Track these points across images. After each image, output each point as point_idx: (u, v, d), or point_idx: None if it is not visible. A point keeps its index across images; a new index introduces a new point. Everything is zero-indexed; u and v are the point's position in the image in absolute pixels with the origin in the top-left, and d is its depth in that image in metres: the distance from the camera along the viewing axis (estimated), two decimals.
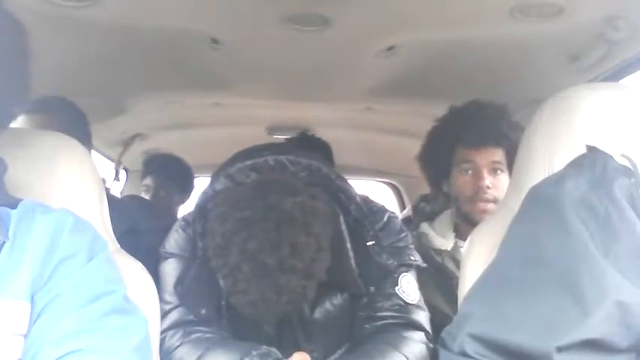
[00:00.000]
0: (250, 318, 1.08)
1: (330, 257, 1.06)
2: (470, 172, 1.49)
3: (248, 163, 1.15)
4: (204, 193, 1.19)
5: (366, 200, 1.25)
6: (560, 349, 0.64)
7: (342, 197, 1.19)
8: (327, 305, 1.18)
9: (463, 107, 1.55)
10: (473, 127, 1.47)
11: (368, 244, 1.19)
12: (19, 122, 1.41)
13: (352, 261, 1.17)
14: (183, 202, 2.52)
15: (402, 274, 1.21)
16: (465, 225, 1.52)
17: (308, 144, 2.00)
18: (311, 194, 1.07)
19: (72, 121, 1.59)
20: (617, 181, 0.74)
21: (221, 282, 1.11)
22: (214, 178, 1.19)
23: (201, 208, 1.18)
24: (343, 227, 1.18)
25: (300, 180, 1.14)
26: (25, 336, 0.69)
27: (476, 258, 0.98)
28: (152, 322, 0.94)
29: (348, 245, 1.18)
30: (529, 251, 0.74)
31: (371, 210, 1.24)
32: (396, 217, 1.28)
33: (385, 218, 1.24)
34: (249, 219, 1.00)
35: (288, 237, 0.99)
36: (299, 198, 1.04)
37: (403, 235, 1.25)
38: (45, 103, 1.55)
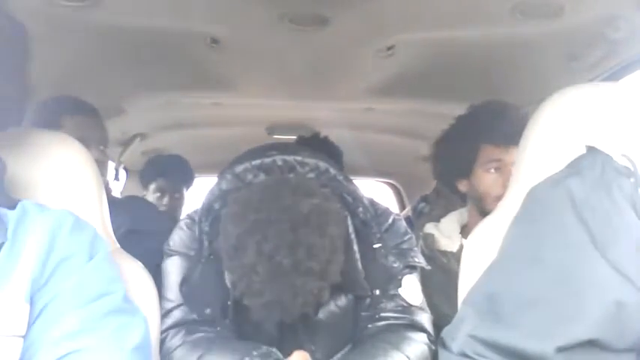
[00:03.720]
0: (259, 319, 1.08)
1: (343, 259, 1.06)
2: (496, 170, 1.48)
3: (256, 162, 1.15)
4: (211, 192, 1.19)
5: (371, 202, 1.25)
6: (559, 349, 0.64)
7: (349, 199, 1.19)
8: (332, 306, 1.18)
9: (486, 106, 1.53)
10: (501, 125, 1.45)
11: (374, 246, 1.19)
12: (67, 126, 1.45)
13: (359, 263, 1.17)
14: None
15: (406, 276, 1.21)
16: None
17: (319, 146, 2.00)
18: (325, 196, 1.07)
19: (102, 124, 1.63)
20: (616, 181, 0.74)
21: (228, 283, 1.10)
22: (221, 178, 1.18)
23: (209, 208, 1.17)
24: (350, 229, 1.18)
25: (312, 182, 1.14)
26: (24, 337, 0.69)
27: (476, 258, 0.98)
28: (152, 322, 0.94)
29: (355, 247, 1.18)
30: (529, 252, 0.74)
31: (377, 212, 1.24)
32: (401, 219, 1.28)
33: (390, 220, 1.24)
34: (264, 220, 1.00)
35: (304, 238, 0.98)
36: (315, 200, 1.03)
37: (408, 237, 1.25)
38: (85, 105, 1.57)
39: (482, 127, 1.50)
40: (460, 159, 1.55)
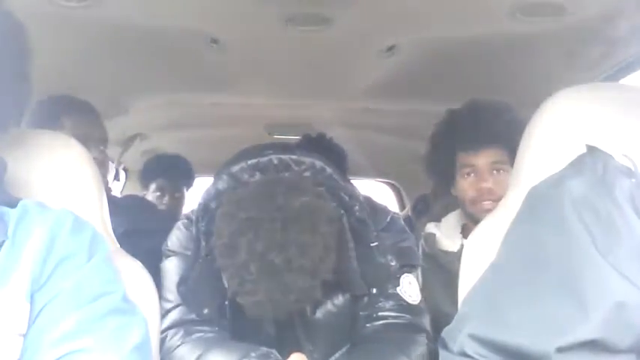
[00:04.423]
0: (254, 318, 1.08)
1: (335, 257, 1.06)
2: (472, 175, 1.49)
3: (251, 162, 1.15)
4: (207, 192, 1.19)
5: (369, 201, 1.25)
6: (559, 350, 0.64)
7: (346, 197, 1.18)
8: (329, 305, 1.18)
9: (458, 111, 1.55)
10: (468, 131, 1.48)
11: (372, 245, 1.19)
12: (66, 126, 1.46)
13: (354, 261, 1.17)
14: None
15: (404, 275, 1.21)
16: (472, 226, 1.53)
17: (324, 146, 2.00)
18: (317, 193, 1.07)
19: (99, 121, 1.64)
20: (618, 181, 0.74)
21: (225, 282, 1.10)
22: (217, 178, 1.19)
23: (205, 207, 1.17)
24: (346, 227, 1.18)
25: (305, 180, 1.14)
26: (24, 336, 0.69)
27: (476, 258, 0.98)
28: (152, 322, 0.94)
29: (351, 245, 1.18)
30: (529, 252, 0.74)
31: (374, 210, 1.24)
32: (399, 218, 1.28)
33: (388, 219, 1.24)
34: (256, 219, 1.00)
35: (295, 237, 0.99)
36: (306, 197, 1.03)
37: (406, 235, 1.25)
38: (84, 105, 1.58)
39: (453, 134, 1.53)
40: (443, 167, 1.58)
